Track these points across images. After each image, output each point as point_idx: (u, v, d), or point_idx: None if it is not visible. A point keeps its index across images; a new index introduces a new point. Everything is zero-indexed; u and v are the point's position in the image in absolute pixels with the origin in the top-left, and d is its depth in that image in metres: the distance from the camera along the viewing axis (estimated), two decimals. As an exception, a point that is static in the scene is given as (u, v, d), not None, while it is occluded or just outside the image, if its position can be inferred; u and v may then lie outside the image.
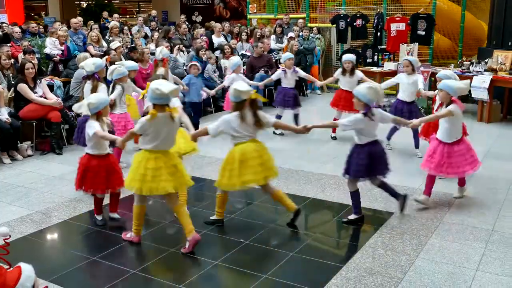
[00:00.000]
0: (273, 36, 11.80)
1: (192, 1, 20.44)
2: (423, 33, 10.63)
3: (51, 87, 7.55)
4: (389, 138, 6.82)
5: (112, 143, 4.45)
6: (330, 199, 5.18)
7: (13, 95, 6.95)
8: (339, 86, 7.68)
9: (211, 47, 11.11)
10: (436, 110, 5.16)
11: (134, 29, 12.34)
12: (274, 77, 8.04)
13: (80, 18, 11.14)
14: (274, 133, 7.77)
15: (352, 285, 3.50)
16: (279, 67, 10.42)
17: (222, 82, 8.51)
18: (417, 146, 6.52)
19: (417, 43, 10.37)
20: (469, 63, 9.32)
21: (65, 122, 7.20)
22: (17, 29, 9.62)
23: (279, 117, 7.47)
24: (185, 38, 11.17)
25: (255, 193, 5.24)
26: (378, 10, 11.21)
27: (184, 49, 10.16)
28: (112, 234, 4.43)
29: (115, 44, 8.57)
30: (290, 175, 5.83)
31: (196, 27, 12.66)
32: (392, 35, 10.85)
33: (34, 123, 6.92)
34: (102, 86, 5.68)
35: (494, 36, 9.65)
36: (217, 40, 11.51)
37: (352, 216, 4.59)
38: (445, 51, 11.04)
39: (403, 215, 4.66)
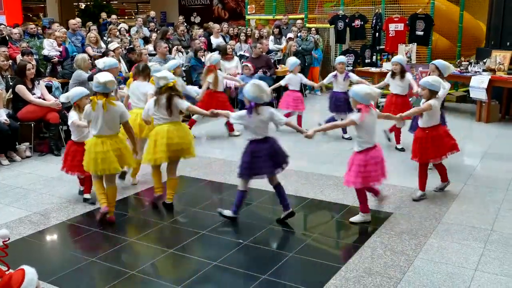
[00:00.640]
0: (271, 37, 11.81)
1: (191, 2, 20.46)
2: (421, 33, 10.64)
3: (49, 88, 7.56)
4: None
5: None
6: (329, 199, 5.17)
7: (11, 96, 6.95)
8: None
9: (209, 48, 11.11)
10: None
11: (133, 30, 12.34)
12: (305, 81, 8.22)
13: (78, 19, 11.13)
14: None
15: (351, 285, 3.49)
16: (277, 68, 10.46)
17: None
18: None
19: (415, 44, 10.39)
20: (467, 63, 9.32)
21: (63, 123, 7.19)
22: (15, 30, 9.60)
23: (331, 119, 7.28)
24: (183, 39, 11.17)
25: (254, 194, 5.24)
26: (377, 11, 11.21)
27: (182, 50, 10.16)
28: (110, 235, 4.42)
29: (113, 45, 8.56)
30: (289, 176, 5.82)
31: (193, 28, 12.66)
32: (390, 35, 10.85)
33: (32, 124, 6.91)
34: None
35: (492, 36, 9.66)
36: (215, 41, 11.50)
37: (227, 212, 4.63)
38: (444, 52, 11.04)
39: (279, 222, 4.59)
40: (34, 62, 7.41)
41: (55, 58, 8.68)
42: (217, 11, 19.81)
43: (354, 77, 7.39)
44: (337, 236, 4.55)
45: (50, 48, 8.78)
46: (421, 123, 5.08)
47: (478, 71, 8.91)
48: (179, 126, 4.90)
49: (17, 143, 6.80)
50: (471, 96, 8.75)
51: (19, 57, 7.90)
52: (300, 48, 11.19)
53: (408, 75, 6.73)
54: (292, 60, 7.99)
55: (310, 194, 5.33)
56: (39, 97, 6.92)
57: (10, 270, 2.54)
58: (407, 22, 10.70)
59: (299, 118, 7.90)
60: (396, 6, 11.24)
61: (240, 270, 3.77)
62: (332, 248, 4.30)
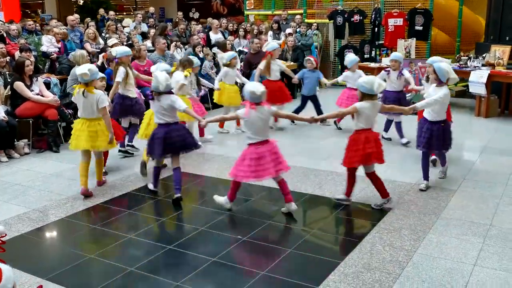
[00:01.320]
0: (270, 32, 11.77)
1: (189, -2, 20.41)
2: (420, 28, 10.62)
3: (47, 84, 7.54)
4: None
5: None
6: (327, 195, 5.17)
7: (9, 93, 6.93)
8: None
9: (208, 43, 11.08)
10: None
11: (131, 26, 12.30)
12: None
13: (76, 16, 11.09)
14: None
15: (350, 281, 3.49)
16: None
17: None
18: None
19: (414, 38, 10.36)
20: (466, 58, 9.30)
21: (62, 119, 7.18)
22: (13, 26, 9.57)
23: (389, 122, 7.00)
24: (183, 36, 11.14)
25: (253, 189, 5.24)
26: (376, 6, 11.19)
27: (181, 46, 10.14)
28: (109, 232, 4.42)
29: (112, 41, 8.54)
30: (287, 171, 5.81)
31: (190, 24, 12.62)
32: (389, 30, 10.83)
33: (30, 121, 6.90)
34: (121, 70, 6.32)
35: (491, 31, 9.63)
36: (214, 36, 11.47)
37: (150, 186, 5.27)
38: (443, 46, 11.02)
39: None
40: (32, 59, 7.38)
41: (53, 55, 8.66)
42: (215, 7, 19.75)
43: (407, 74, 6.75)
44: (336, 231, 4.55)
45: (48, 44, 8.75)
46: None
47: (478, 66, 8.89)
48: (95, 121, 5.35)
49: (15, 140, 6.78)
50: (470, 91, 8.74)
51: (17, 54, 7.88)
52: (300, 43, 11.16)
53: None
54: (351, 57, 7.60)
55: (309, 189, 5.33)
56: (38, 94, 6.91)
57: None
58: (406, 17, 10.68)
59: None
60: (395, 1, 11.22)
61: (239, 266, 3.77)
62: (331, 243, 4.30)
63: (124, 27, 11.93)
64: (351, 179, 4.81)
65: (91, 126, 5.15)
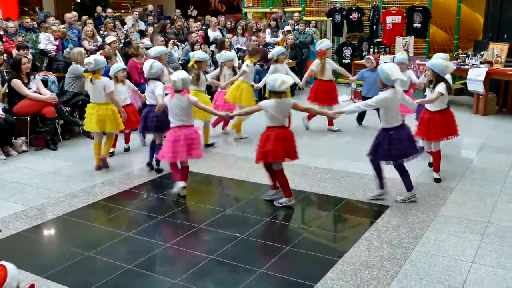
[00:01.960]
0: (268, 30, 11.75)
1: (187, -5, 20.36)
2: (419, 26, 10.61)
3: (45, 82, 7.52)
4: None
5: None
6: (325, 192, 5.17)
7: (7, 91, 6.91)
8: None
9: (206, 41, 11.06)
10: None
11: (129, 23, 12.27)
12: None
13: (74, 13, 11.06)
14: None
15: (348, 278, 3.49)
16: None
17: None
18: None
19: (413, 36, 10.36)
20: (465, 55, 9.30)
21: (59, 117, 7.17)
22: (11, 24, 9.54)
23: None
24: (181, 33, 11.12)
25: (250, 187, 5.23)
26: (374, 3, 11.18)
27: (178, 43, 10.12)
28: (107, 229, 4.42)
29: (110, 38, 8.52)
30: (286, 169, 5.80)
31: (187, 21, 12.58)
32: (388, 28, 10.82)
33: (28, 119, 6.88)
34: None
35: (489, 28, 9.63)
36: (212, 34, 11.46)
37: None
38: (441, 44, 11.01)
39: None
40: (30, 56, 7.37)
41: (51, 52, 8.63)
42: (214, 4, 19.71)
43: (412, 76, 6.79)
44: (334, 229, 4.55)
45: (46, 42, 8.73)
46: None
47: (476, 64, 8.89)
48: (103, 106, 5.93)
49: (13, 138, 6.77)
50: (468, 88, 8.74)
51: (14, 52, 7.86)
52: (298, 41, 11.15)
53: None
54: (400, 57, 7.02)
55: (307, 187, 5.33)
56: (35, 92, 6.89)
57: None
58: (405, 14, 10.67)
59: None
60: (393, -1, 11.21)
61: (237, 264, 3.77)
62: (329, 241, 4.30)
63: (124, 24, 11.92)
64: (268, 171, 4.88)
65: (100, 110, 5.80)
